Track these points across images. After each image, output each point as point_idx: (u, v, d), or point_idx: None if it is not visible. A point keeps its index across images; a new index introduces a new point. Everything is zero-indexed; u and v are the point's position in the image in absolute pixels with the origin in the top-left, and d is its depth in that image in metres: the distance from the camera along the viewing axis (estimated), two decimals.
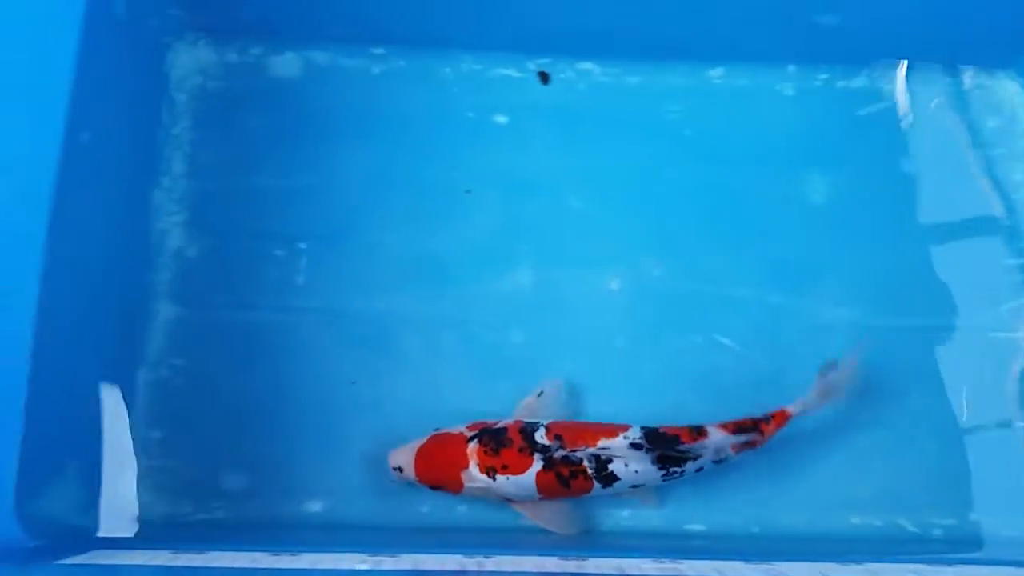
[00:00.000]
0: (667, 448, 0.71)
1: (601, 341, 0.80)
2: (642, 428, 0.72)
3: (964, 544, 0.76)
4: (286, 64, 0.86)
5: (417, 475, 0.72)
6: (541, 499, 0.72)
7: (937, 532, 0.77)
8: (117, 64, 0.76)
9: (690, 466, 0.72)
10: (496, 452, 0.71)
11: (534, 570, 0.57)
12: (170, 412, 0.76)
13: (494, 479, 0.71)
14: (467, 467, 0.71)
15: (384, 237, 0.81)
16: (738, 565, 0.62)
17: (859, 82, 0.88)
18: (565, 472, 0.71)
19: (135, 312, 0.77)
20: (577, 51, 0.87)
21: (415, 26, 0.85)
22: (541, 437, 0.71)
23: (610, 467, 0.71)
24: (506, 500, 0.73)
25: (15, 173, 0.65)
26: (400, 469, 0.73)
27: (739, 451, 0.73)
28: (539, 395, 0.76)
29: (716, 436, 0.72)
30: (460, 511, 0.75)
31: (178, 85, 0.84)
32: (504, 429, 0.72)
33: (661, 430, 0.72)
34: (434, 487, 0.73)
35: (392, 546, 0.64)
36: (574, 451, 0.70)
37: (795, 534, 0.76)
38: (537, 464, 0.70)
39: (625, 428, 0.72)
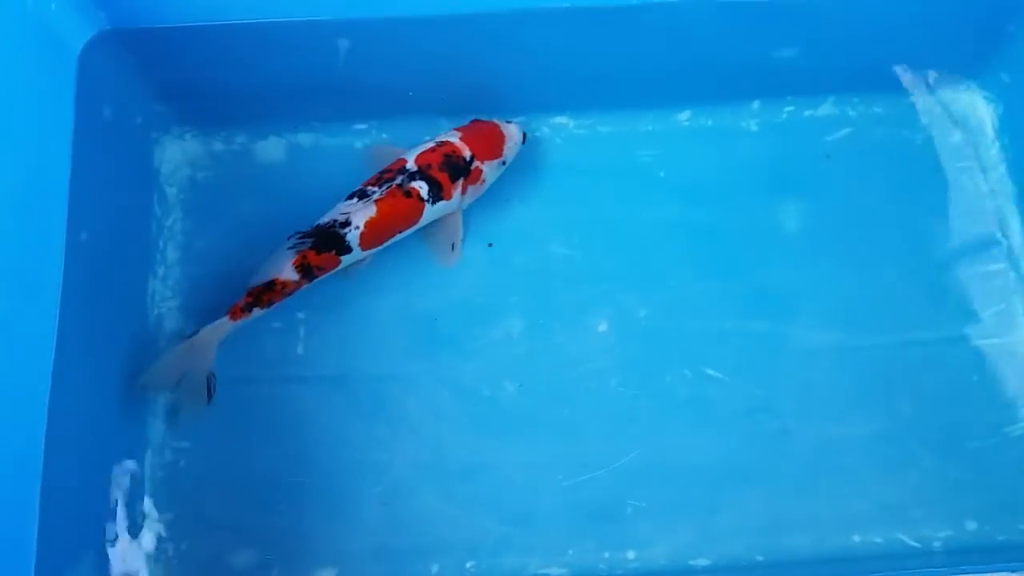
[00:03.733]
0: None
1: (594, 383, 0.82)
2: None
3: (963, 554, 0.77)
4: (270, 149, 0.90)
5: None
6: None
7: (936, 544, 0.78)
8: (107, 163, 0.79)
9: None
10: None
11: None
12: (178, 494, 0.79)
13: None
14: None
15: (378, 302, 0.84)
16: None
17: (825, 110, 0.91)
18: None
19: (138, 398, 0.80)
20: (550, 107, 0.91)
21: (395, 101, 0.89)
22: None
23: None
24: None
25: (22, 277, 0.69)
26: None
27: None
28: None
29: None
30: (468, 568, 0.77)
31: (168, 178, 0.88)
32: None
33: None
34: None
35: None
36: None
37: (799, 558, 0.77)
38: None
39: None
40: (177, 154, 0.89)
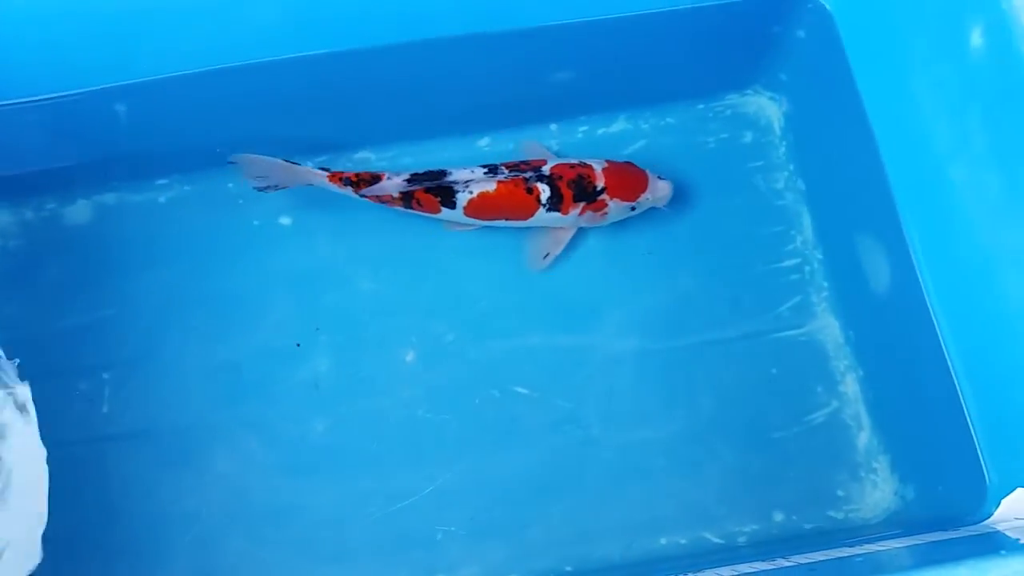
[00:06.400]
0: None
1: (402, 413, 0.83)
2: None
3: (768, 545, 0.78)
4: (78, 211, 0.90)
5: None
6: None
7: (742, 539, 0.79)
8: None
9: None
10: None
11: None
12: None
13: None
14: None
15: (182, 353, 0.85)
16: None
17: (618, 126, 0.93)
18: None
19: None
20: (351, 143, 0.92)
21: (193, 153, 0.90)
22: None
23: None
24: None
25: None
26: None
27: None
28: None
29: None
30: None
31: None
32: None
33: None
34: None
35: None
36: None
37: (608, 565, 0.78)
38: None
39: None
40: None
